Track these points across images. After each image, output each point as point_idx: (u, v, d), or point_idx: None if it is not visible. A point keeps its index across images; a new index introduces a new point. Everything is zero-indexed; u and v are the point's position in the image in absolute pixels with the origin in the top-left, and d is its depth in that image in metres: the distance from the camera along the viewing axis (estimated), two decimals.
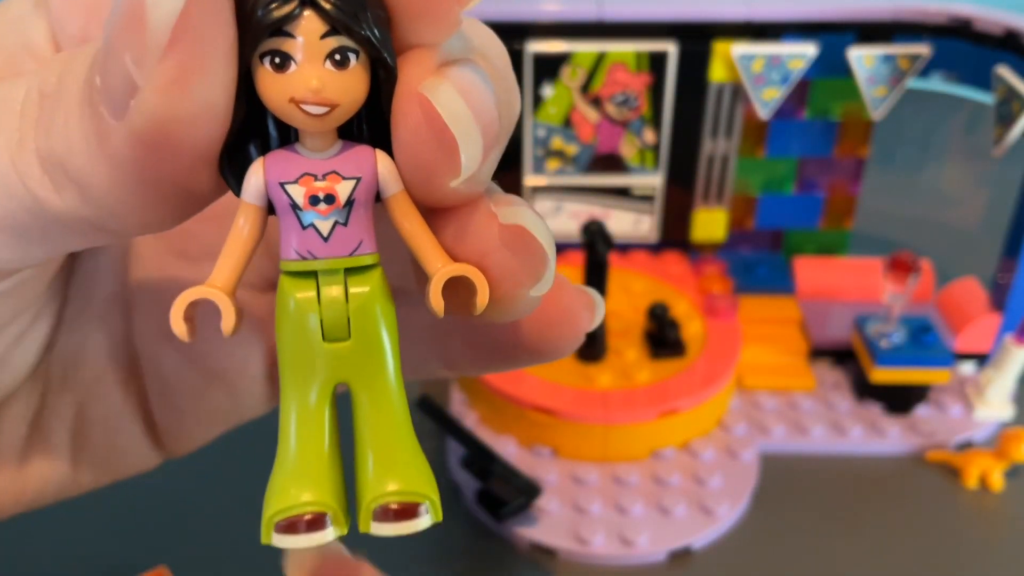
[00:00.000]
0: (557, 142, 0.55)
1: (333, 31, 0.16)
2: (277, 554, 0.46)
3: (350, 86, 0.17)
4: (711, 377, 0.48)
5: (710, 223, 0.58)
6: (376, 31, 0.16)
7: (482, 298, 0.18)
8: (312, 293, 0.18)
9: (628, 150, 0.56)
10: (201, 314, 0.18)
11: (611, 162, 0.56)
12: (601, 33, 0.52)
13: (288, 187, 0.17)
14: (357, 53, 0.16)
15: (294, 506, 0.18)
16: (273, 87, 0.16)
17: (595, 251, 0.47)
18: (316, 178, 0.17)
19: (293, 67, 0.16)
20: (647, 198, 0.57)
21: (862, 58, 0.51)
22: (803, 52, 0.51)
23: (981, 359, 0.53)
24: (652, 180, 0.57)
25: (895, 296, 0.48)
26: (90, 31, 0.21)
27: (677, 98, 0.54)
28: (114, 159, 0.16)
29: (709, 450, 0.48)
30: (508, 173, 0.57)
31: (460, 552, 0.43)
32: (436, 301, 0.18)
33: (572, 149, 0.56)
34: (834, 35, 0.52)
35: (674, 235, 0.59)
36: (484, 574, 0.42)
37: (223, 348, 0.27)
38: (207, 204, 0.18)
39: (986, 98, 0.50)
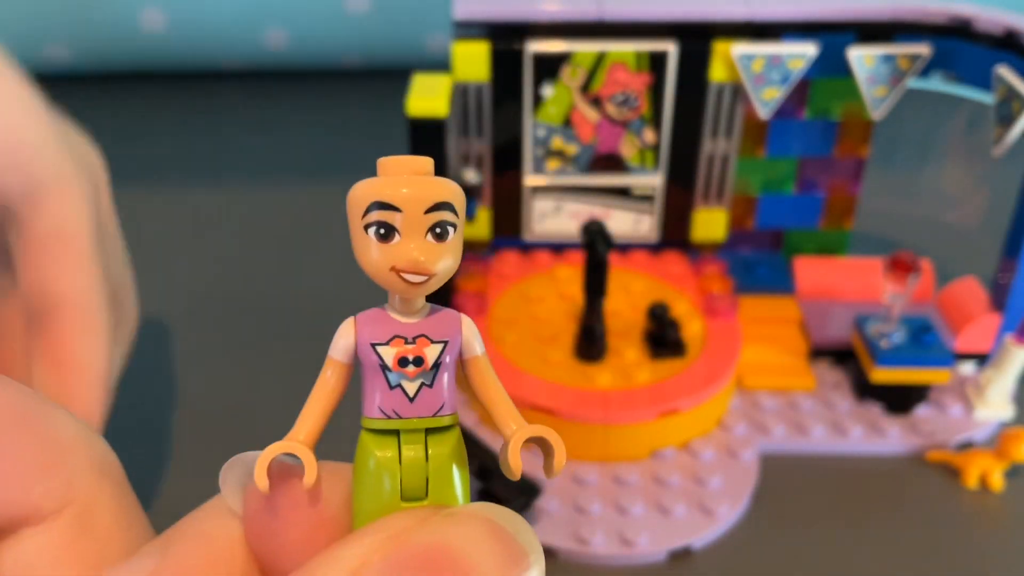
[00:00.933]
0: (557, 142, 0.55)
1: (438, 206, 0.17)
2: None
3: (449, 256, 0.18)
4: (711, 377, 0.48)
5: (710, 223, 0.58)
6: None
7: (559, 458, 0.19)
8: (393, 452, 0.18)
9: (628, 150, 0.56)
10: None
11: (611, 162, 0.56)
12: (601, 33, 0.52)
13: (379, 348, 0.18)
14: (455, 226, 0.17)
15: None
16: (376, 255, 0.17)
17: (595, 251, 0.46)
18: (406, 340, 0.18)
19: (397, 238, 0.17)
20: (647, 198, 0.57)
21: (862, 58, 0.51)
22: (803, 52, 0.51)
23: (981, 359, 0.53)
24: (652, 180, 0.57)
25: (895, 296, 0.48)
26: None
27: (677, 98, 0.54)
28: None
29: (709, 450, 0.48)
30: (508, 173, 0.57)
31: None
32: (515, 463, 0.19)
33: (572, 149, 0.56)
34: (834, 35, 0.52)
35: (674, 235, 0.59)
36: None
37: None
38: None
39: (986, 98, 0.50)
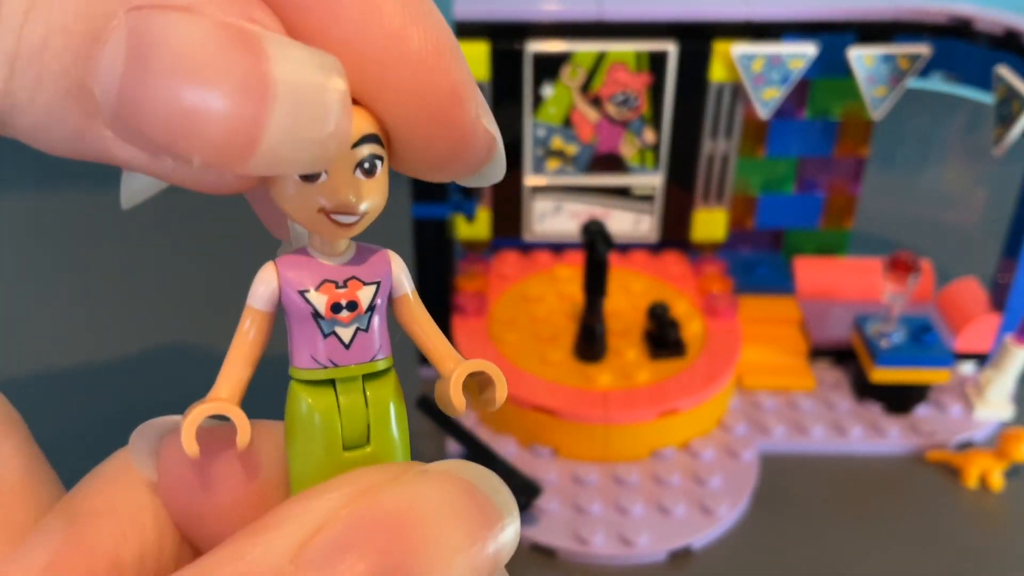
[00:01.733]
0: (557, 142, 0.55)
1: (365, 139, 0.16)
2: None
3: (377, 192, 0.16)
4: (711, 377, 0.48)
5: (710, 223, 0.58)
6: None
7: (501, 392, 0.18)
8: (331, 401, 0.17)
9: (628, 150, 0.56)
10: None
11: (611, 162, 0.56)
12: (601, 33, 0.52)
13: (308, 295, 0.17)
14: (383, 159, 0.16)
15: None
16: (301, 197, 0.16)
17: (595, 251, 0.46)
18: (337, 285, 0.17)
19: (323, 177, 0.16)
20: (647, 198, 0.57)
21: (862, 58, 0.51)
22: (803, 52, 0.51)
23: (981, 359, 0.53)
24: (652, 180, 0.57)
25: (895, 296, 0.48)
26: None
27: (677, 98, 0.54)
28: None
29: (709, 450, 0.48)
30: (508, 173, 0.56)
31: None
32: (458, 400, 0.18)
33: (572, 149, 0.56)
34: (834, 35, 0.52)
35: (674, 235, 0.59)
36: None
37: None
38: None
39: (986, 98, 0.50)
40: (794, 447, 0.49)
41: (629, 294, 0.55)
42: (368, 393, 0.18)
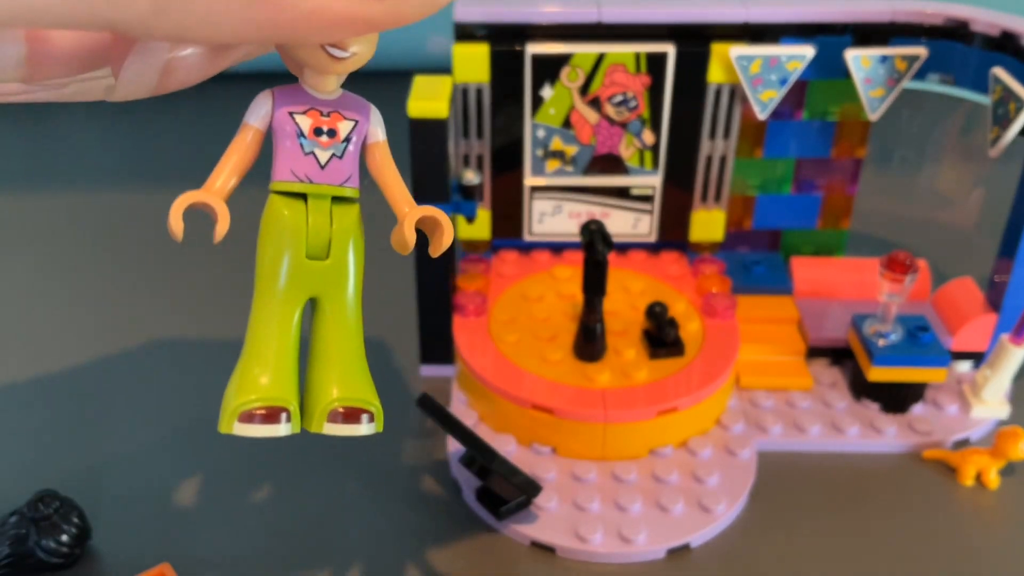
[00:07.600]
0: (557, 143, 0.56)
1: None
2: (278, 551, 0.46)
3: (366, 41, 0.19)
4: (709, 376, 0.48)
5: (708, 223, 0.58)
6: None
7: (447, 237, 0.21)
8: (302, 214, 0.20)
9: (627, 151, 0.56)
10: None
11: (610, 163, 0.56)
12: (600, 35, 0.53)
13: (296, 116, 0.20)
14: None
15: (259, 399, 0.20)
16: None
17: (594, 251, 0.47)
18: (322, 113, 0.20)
19: None
20: (646, 198, 0.58)
21: (859, 59, 0.51)
22: (801, 53, 0.51)
23: (977, 358, 0.53)
24: (651, 180, 0.57)
25: (892, 295, 0.49)
26: None
27: (676, 99, 0.54)
28: None
29: (707, 449, 0.48)
30: (508, 173, 0.57)
31: (460, 550, 0.43)
32: (410, 236, 0.21)
33: (571, 150, 0.56)
34: (831, 37, 0.52)
35: (673, 235, 0.59)
36: (484, 571, 0.42)
37: None
38: None
39: (983, 99, 0.50)
40: (792, 446, 0.49)
41: (628, 294, 0.55)
42: (334, 214, 0.20)
